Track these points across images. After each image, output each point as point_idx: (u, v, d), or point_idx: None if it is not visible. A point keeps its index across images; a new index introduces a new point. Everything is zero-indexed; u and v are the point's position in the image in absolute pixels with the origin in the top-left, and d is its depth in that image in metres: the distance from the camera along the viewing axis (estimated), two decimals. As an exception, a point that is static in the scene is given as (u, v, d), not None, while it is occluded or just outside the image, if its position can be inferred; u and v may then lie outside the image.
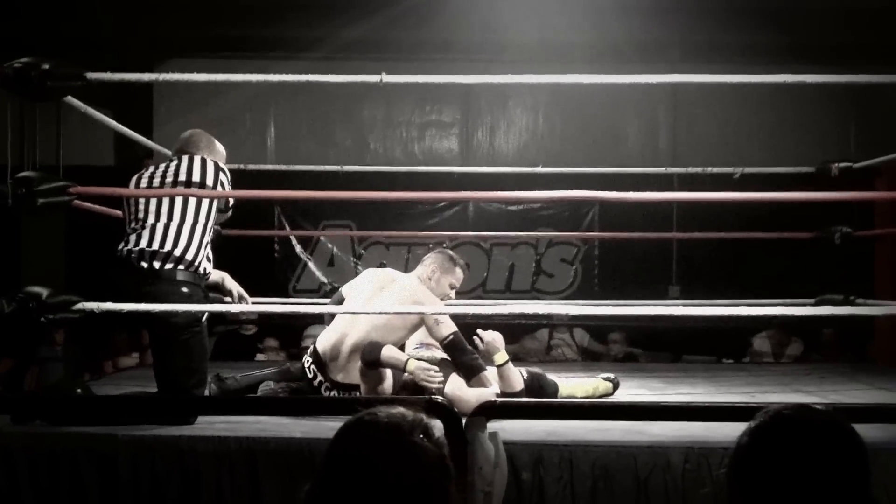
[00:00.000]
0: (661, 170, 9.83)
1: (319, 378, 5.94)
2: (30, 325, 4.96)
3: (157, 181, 5.52)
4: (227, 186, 5.60)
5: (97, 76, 5.08)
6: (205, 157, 5.62)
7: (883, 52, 10.54)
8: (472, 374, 5.76)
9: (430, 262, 6.36)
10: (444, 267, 6.33)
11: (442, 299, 6.24)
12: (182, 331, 5.17)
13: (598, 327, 11.24)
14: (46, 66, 4.82)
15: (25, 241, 11.32)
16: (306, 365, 6.03)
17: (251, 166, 8.29)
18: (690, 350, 11.18)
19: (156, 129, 11.42)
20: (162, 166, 5.62)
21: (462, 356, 5.78)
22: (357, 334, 5.89)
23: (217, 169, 5.54)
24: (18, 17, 10.53)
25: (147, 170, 5.65)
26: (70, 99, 5.34)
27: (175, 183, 5.46)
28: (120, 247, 5.34)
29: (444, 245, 11.61)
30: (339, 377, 5.91)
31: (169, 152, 7.23)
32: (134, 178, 5.63)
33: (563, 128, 12.77)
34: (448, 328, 5.78)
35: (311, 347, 6.10)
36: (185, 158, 5.58)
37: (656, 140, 12.74)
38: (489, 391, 5.61)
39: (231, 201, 5.78)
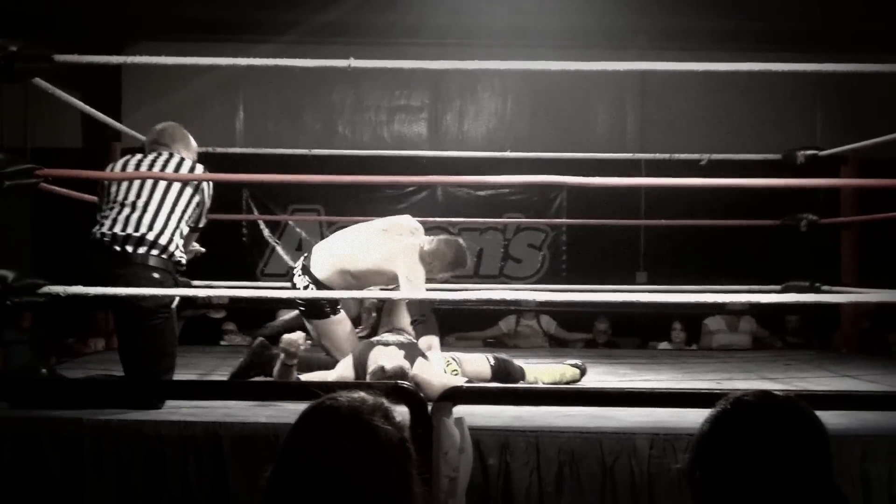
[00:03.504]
0: (629, 155, 9.89)
1: (306, 280, 6.24)
2: (-5, 309, 4.94)
3: (142, 170, 5.48)
4: (208, 194, 5.60)
5: (65, 58, 5.05)
6: (184, 156, 5.59)
7: (850, 39, 10.60)
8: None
9: (438, 247, 6.32)
10: (448, 261, 6.35)
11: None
12: (151, 315, 5.13)
13: (573, 313, 11.24)
14: (14, 48, 4.77)
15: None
16: (297, 273, 6.33)
17: (219, 149, 8.25)
18: (659, 336, 11.23)
19: (124, 111, 11.38)
20: (149, 158, 5.53)
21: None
22: (347, 248, 6.28)
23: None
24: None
25: (133, 157, 5.58)
26: (38, 81, 5.30)
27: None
28: (94, 230, 5.30)
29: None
30: (318, 274, 6.20)
31: (137, 135, 7.20)
32: (120, 163, 5.58)
33: (531, 112, 12.78)
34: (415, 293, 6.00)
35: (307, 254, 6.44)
36: (174, 158, 5.54)
37: (624, 125, 12.77)
38: (456, 378, 5.61)
39: (204, 221, 5.71)
